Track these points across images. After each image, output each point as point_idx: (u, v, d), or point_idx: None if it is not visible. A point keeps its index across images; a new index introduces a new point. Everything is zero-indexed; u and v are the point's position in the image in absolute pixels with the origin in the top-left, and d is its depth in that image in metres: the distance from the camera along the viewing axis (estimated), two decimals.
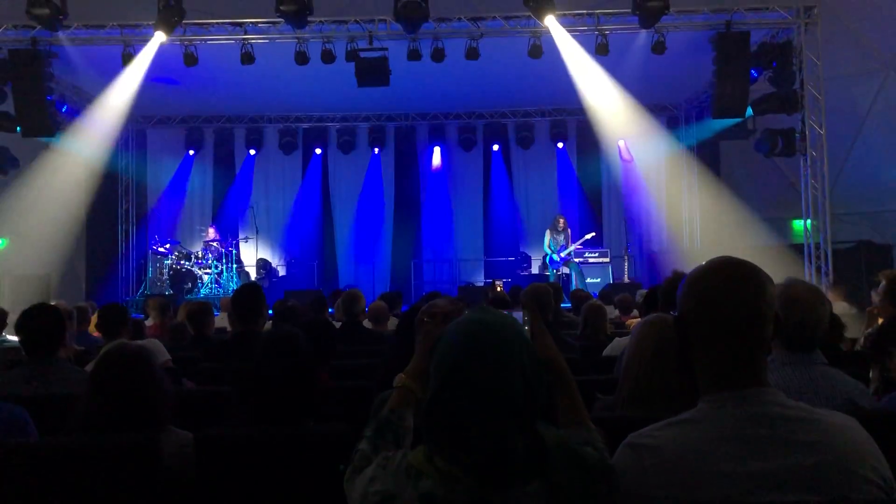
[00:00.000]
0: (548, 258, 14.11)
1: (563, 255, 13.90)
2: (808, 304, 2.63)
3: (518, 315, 2.05)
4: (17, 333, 3.70)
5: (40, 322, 3.57)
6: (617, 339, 5.00)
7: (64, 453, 2.42)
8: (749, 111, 12.04)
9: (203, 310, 6.22)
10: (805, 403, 1.68)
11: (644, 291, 8.96)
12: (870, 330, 4.89)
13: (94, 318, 7.49)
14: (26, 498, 2.39)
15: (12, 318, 5.42)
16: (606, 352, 4.82)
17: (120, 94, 12.60)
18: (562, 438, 1.66)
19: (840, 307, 8.73)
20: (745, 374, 1.62)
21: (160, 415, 2.54)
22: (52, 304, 5.21)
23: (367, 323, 6.78)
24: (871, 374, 3.98)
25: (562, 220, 14.36)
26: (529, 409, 1.57)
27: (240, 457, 2.44)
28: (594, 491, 1.59)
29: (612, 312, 8.37)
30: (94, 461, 2.40)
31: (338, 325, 6.48)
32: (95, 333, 7.26)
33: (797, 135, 11.78)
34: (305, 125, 16.85)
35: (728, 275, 1.64)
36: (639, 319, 6.80)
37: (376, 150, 16.89)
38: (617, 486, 1.63)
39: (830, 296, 9.27)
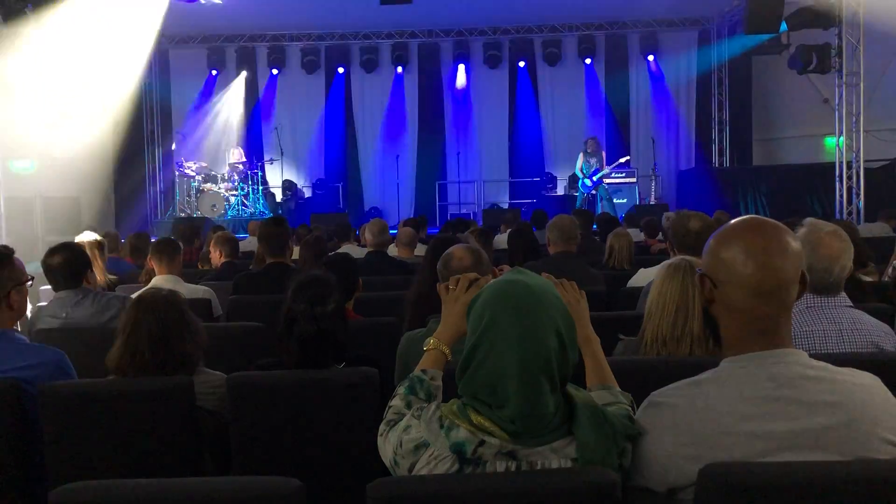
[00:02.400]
0: (580, 182, 13.70)
1: (595, 178, 13.58)
2: (831, 251, 2.61)
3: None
4: (43, 270, 3.93)
5: (62, 260, 3.85)
6: (642, 269, 4.99)
7: (102, 396, 2.52)
8: (783, 26, 11.64)
9: (226, 239, 6.31)
10: (829, 359, 1.69)
11: (672, 215, 8.94)
12: None
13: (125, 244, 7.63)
14: (66, 439, 2.50)
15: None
16: (631, 282, 4.82)
17: (144, 14, 12.49)
18: (590, 399, 1.71)
19: (879, 228, 8.67)
20: (769, 336, 1.63)
21: (193, 357, 2.62)
22: (76, 239, 5.37)
23: (392, 249, 6.83)
24: None
25: (594, 143, 13.84)
26: (562, 369, 1.63)
27: (272, 399, 2.52)
28: (618, 450, 1.64)
29: (638, 235, 8.36)
30: (131, 404, 2.50)
31: (363, 251, 6.54)
32: (128, 259, 7.42)
33: (833, 50, 11.42)
34: (327, 43, 16.60)
35: (753, 238, 1.61)
36: (664, 246, 6.79)
37: (399, 68, 16.62)
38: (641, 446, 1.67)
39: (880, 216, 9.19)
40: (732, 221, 1.70)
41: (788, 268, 1.60)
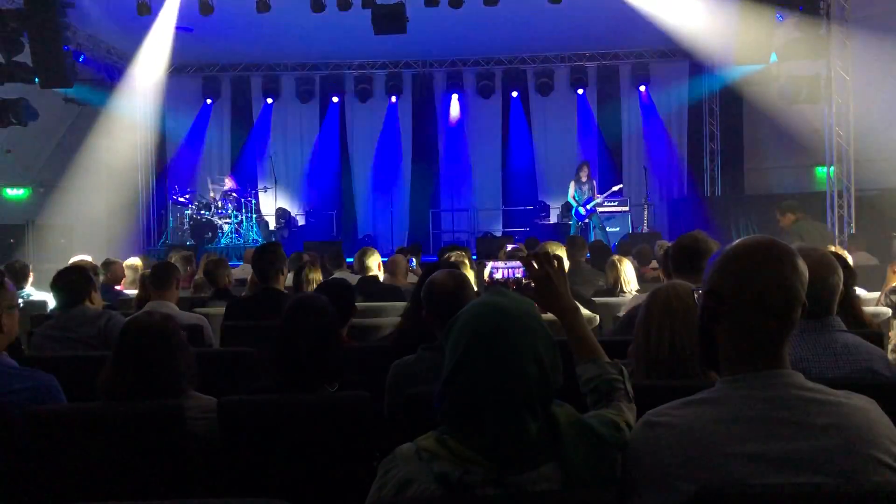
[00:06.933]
0: (573, 210, 13.68)
1: (588, 207, 13.54)
2: (819, 276, 2.61)
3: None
4: (51, 289, 4.23)
5: (71, 278, 4.16)
6: (634, 295, 4.99)
7: (91, 420, 2.49)
8: (773, 57, 11.76)
9: (218, 264, 6.29)
10: (824, 382, 1.69)
11: (665, 243, 8.95)
12: (889, 287, 4.86)
13: (121, 272, 7.61)
14: (55, 463, 2.46)
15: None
16: (623, 309, 4.80)
17: (153, 48, 12.78)
18: (573, 414, 1.68)
19: (860, 257, 8.66)
20: (768, 356, 1.63)
21: (183, 381, 2.59)
22: (80, 261, 5.45)
23: (383, 276, 6.82)
24: (890, 334, 3.98)
25: (586, 170, 13.69)
26: (543, 393, 1.59)
27: (263, 422, 2.49)
28: (607, 463, 1.62)
29: (632, 262, 8.35)
30: (120, 427, 2.47)
31: (356, 278, 6.53)
32: (119, 287, 7.39)
33: (822, 81, 11.52)
34: (322, 73, 16.73)
35: (766, 255, 1.64)
36: (657, 272, 6.80)
37: (393, 98, 16.77)
38: (630, 456, 1.65)
39: (850, 248, 9.19)
40: (742, 239, 1.72)
41: (797, 286, 1.63)
